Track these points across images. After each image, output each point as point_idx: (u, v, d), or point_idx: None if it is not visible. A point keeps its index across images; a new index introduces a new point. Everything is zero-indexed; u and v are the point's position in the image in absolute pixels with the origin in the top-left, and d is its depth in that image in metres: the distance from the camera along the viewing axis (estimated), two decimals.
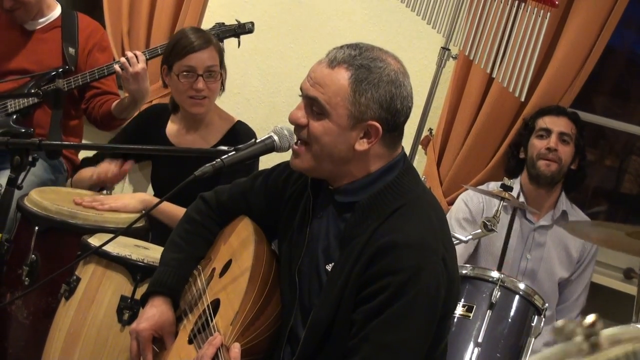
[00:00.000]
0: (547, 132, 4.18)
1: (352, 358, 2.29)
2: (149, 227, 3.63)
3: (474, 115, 4.57)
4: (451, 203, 4.54)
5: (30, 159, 2.85)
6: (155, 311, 2.63)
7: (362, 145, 2.38)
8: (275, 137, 2.61)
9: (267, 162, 3.08)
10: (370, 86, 2.33)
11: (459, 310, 3.44)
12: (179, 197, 2.94)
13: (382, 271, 2.27)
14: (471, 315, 3.44)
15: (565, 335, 0.81)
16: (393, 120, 2.38)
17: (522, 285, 3.51)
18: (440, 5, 4.02)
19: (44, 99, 4.13)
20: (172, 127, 3.99)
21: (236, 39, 4.25)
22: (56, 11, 4.51)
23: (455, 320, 3.41)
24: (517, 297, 3.50)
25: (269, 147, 2.63)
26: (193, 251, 2.80)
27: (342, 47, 2.40)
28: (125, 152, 3.96)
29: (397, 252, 2.28)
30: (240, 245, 2.66)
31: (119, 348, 2.98)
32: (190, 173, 2.50)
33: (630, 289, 4.44)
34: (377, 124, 2.35)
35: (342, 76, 2.34)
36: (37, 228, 3.35)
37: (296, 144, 2.47)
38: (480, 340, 3.35)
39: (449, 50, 4.05)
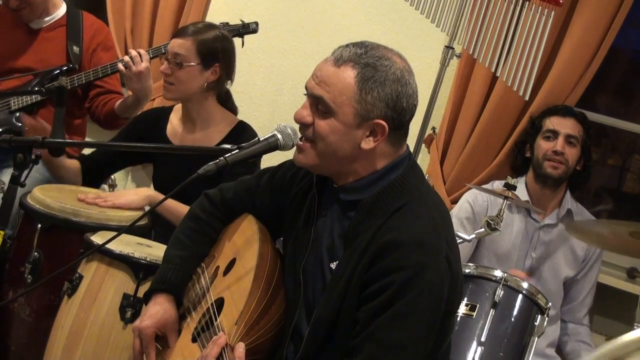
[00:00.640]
0: (554, 133, 4.17)
1: (355, 357, 2.28)
2: (151, 225, 3.62)
3: (477, 114, 4.57)
4: (454, 202, 4.53)
5: (33, 156, 2.84)
6: (159, 309, 2.63)
7: (368, 143, 2.37)
8: (279, 136, 2.60)
9: (270, 160, 3.08)
10: (376, 85, 2.33)
11: (462, 309, 3.43)
12: (182, 196, 2.93)
13: (386, 269, 2.27)
14: (474, 314, 3.43)
15: None
16: (399, 118, 2.38)
17: (525, 285, 3.50)
18: (444, 4, 4.02)
19: (47, 97, 4.13)
20: (172, 128, 3.99)
21: (240, 39, 4.24)
22: (61, 10, 4.51)
23: (459, 319, 3.40)
24: (520, 296, 3.49)
25: (273, 145, 2.61)
26: (197, 249, 2.80)
27: (347, 45, 2.40)
28: (127, 150, 3.96)
29: (400, 250, 2.28)
30: (244, 243, 2.66)
31: (121, 346, 2.98)
32: (191, 173, 2.49)
33: (634, 288, 4.44)
34: (383, 123, 2.35)
35: (348, 75, 2.34)
36: (39, 226, 3.35)
37: (301, 139, 2.46)
38: (483, 339, 3.35)
39: (453, 48, 4.05)
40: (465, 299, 3.46)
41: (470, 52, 4.01)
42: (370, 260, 2.31)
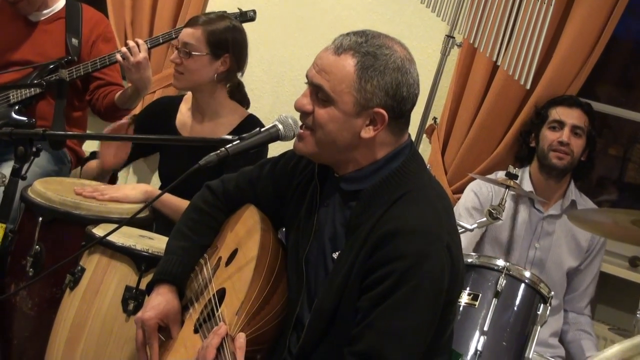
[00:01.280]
0: (560, 124, 4.16)
1: (356, 345, 2.28)
2: (153, 217, 3.62)
3: (478, 103, 4.56)
4: (456, 192, 4.53)
5: (34, 149, 2.84)
6: (161, 300, 2.63)
7: (367, 132, 2.37)
8: (280, 126, 2.60)
9: (272, 152, 3.07)
10: (376, 73, 2.33)
11: (465, 298, 3.43)
12: (184, 188, 2.93)
13: (386, 258, 2.27)
14: (477, 303, 3.43)
15: None
16: (399, 107, 2.37)
17: (527, 274, 3.50)
18: None
19: (47, 90, 4.12)
20: (181, 118, 3.99)
21: None
22: (60, 2, 4.50)
23: (461, 308, 3.40)
24: (522, 285, 3.48)
25: (274, 136, 2.61)
26: (199, 240, 2.79)
27: (348, 34, 2.40)
28: (129, 141, 3.95)
29: (401, 238, 2.27)
30: (246, 234, 2.66)
31: (124, 338, 2.98)
32: None
33: (635, 277, 4.44)
34: (383, 111, 2.35)
35: (348, 63, 2.33)
36: (41, 219, 3.34)
37: (301, 127, 2.46)
38: (486, 328, 3.34)
39: (454, 38, 4.04)
40: (468, 288, 3.45)
41: (471, 42, 4.00)
42: (371, 249, 2.31)
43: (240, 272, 2.53)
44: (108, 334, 2.98)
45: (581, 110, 4.19)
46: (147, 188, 3.70)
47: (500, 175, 4.18)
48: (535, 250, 4.18)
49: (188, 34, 3.81)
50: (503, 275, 3.43)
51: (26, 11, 4.39)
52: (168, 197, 3.61)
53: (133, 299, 3.00)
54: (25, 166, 2.83)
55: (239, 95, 4.00)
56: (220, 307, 2.50)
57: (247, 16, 4.24)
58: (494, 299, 3.41)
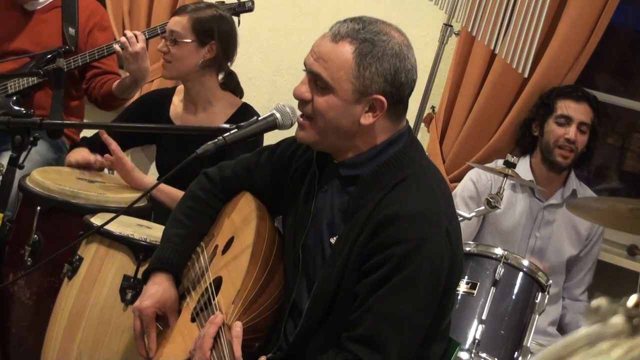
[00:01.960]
0: (568, 119, 4.12)
1: (354, 330, 2.29)
2: (151, 207, 3.62)
3: (476, 92, 4.55)
4: (454, 180, 4.53)
5: (31, 138, 2.83)
6: (158, 288, 2.63)
7: (367, 119, 2.37)
8: (278, 115, 2.61)
9: (270, 140, 3.07)
10: (374, 60, 2.32)
11: (463, 287, 3.43)
12: (182, 178, 2.93)
13: (385, 243, 2.28)
14: (475, 292, 3.43)
15: (600, 316, 0.79)
16: (398, 93, 2.37)
17: (525, 262, 3.50)
18: None
19: (45, 79, 4.12)
20: (175, 110, 3.99)
21: (236, 18, 4.23)
22: None
23: (459, 297, 3.41)
24: (520, 273, 3.49)
25: (271, 124, 2.62)
26: (195, 227, 2.80)
27: (345, 21, 2.39)
28: (127, 130, 3.95)
29: (400, 223, 2.28)
30: (242, 222, 2.66)
31: (122, 327, 2.98)
32: None
33: (634, 265, 4.44)
34: (382, 98, 2.35)
35: (346, 50, 2.33)
36: (39, 208, 3.35)
37: (301, 117, 2.46)
38: (484, 317, 3.35)
39: (451, 26, 4.04)
40: (466, 277, 3.46)
41: (469, 30, 3.99)
42: (370, 233, 2.31)
43: (237, 261, 2.54)
44: (106, 323, 2.99)
45: (588, 105, 4.16)
46: (149, 181, 3.72)
47: (500, 163, 4.17)
48: (535, 240, 4.18)
49: (175, 22, 3.83)
50: (501, 264, 3.43)
51: (22, 0, 4.38)
52: (165, 187, 3.61)
53: (131, 288, 3.01)
54: (23, 155, 2.83)
55: (232, 85, 4.01)
56: (216, 296, 2.50)
57: (245, 7, 4.24)
58: (492, 287, 3.41)
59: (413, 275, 2.25)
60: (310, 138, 2.45)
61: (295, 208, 2.61)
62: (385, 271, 2.26)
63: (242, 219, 2.67)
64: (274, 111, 2.62)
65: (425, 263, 2.26)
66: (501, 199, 3.68)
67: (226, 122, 3.79)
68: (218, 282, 2.56)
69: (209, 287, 2.55)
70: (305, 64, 2.42)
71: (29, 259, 3.32)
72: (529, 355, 3.40)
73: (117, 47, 4.08)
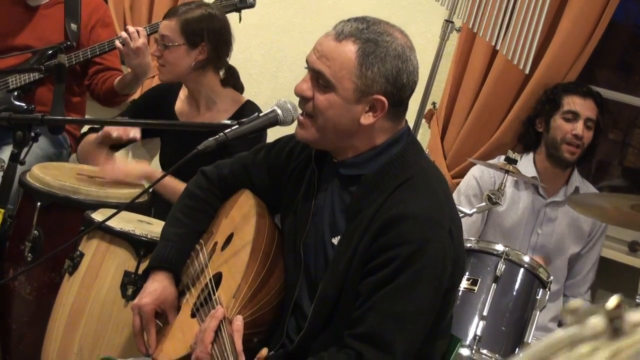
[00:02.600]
0: (575, 115, 4.11)
1: (357, 328, 2.29)
2: (151, 202, 3.62)
3: (477, 88, 4.55)
4: (455, 177, 4.53)
5: (32, 134, 2.83)
6: (158, 286, 2.63)
7: (367, 119, 2.37)
8: (279, 111, 2.60)
9: (271, 137, 3.07)
10: (377, 60, 2.32)
11: (464, 283, 3.43)
12: (184, 174, 2.94)
13: (390, 243, 2.28)
14: (476, 288, 3.43)
15: (578, 318, 0.78)
16: (399, 94, 2.37)
17: (526, 259, 3.50)
18: None
19: (46, 74, 4.12)
20: (180, 105, 3.99)
21: (237, 14, 4.22)
22: None
23: (460, 293, 3.41)
24: (521, 270, 3.49)
25: (272, 120, 2.61)
26: (194, 226, 2.79)
27: (349, 20, 2.39)
28: (128, 126, 3.95)
29: (404, 224, 2.28)
30: (241, 218, 2.66)
31: (122, 323, 2.99)
32: None
33: (635, 261, 4.44)
34: (383, 98, 2.34)
35: (349, 49, 2.33)
36: (39, 204, 3.35)
37: (301, 114, 2.46)
38: (485, 313, 3.35)
39: (453, 23, 4.04)
40: (467, 273, 3.46)
41: (470, 26, 3.99)
42: (375, 234, 2.31)
43: (237, 256, 2.54)
44: (107, 318, 2.99)
45: (594, 101, 4.15)
46: (147, 168, 3.71)
47: (502, 160, 4.17)
48: (537, 236, 4.17)
49: (164, 26, 3.81)
50: (502, 260, 3.43)
51: None
52: (170, 181, 3.60)
53: (132, 284, 3.01)
54: (24, 151, 2.83)
55: (232, 80, 4.00)
56: (217, 291, 2.50)
57: (247, 3, 4.23)
58: (493, 283, 3.41)
59: (417, 275, 2.26)
60: (310, 136, 2.44)
61: (294, 206, 2.61)
62: (389, 271, 2.26)
63: (242, 215, 2.67)
64: (275, 107, 2.62)
65: (429, 263, 2.27)
66: (502, 195, 3.68)
67: (229, 120, 3.79)
68: (218, 278, 2.56)
69: (209, 282, 2.55)
70: (307, 62, 2.42)
71: (29, 254, 3.33)
72: None
73: (118, 43, 4.08)
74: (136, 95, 4.59)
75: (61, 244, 2.83)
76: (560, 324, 4.26)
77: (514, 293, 3.47)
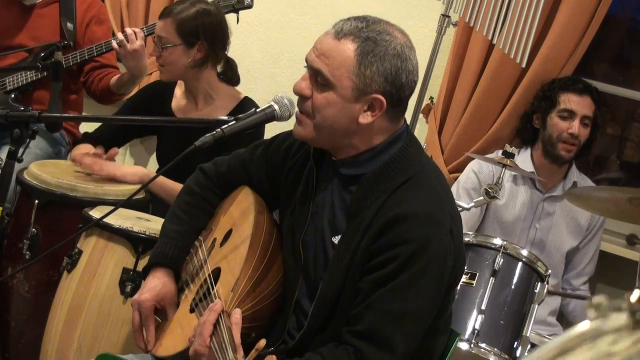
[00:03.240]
0: (571, 114, 4.11)
1: (356, 325, 2.29)
2: (150, 199, 3.62)
3: (474, 82, 4.55)
4: (452, 171, 4.53)
5: (29, 132, 2.84)
6: (157, 282, 2.63)
7: (365, 118, 2.37)
8: (276, 107, 2.61)
9: (269, 133, 3.07)
10: (376, 59, 2.32)
11: (462, 277, 3.43)
12: (182, 171, 2.94)
13: (391, 242, 2.28)
14: (474, 282, 3.44)
15: (602, 312, 0.79)
16: (397, 94, 2.37)
17: (524, 252, 3.50)
18: None
19: (43, 72, 4.12)
20: (177, 102, 3.99)
21: (235, 14, 4.22)
22: None
23: (459, 287, 3.39)
24: (519, 264, 3.49)
25: (269, 116, 2.62)
26: (193, 223, 2.79)
27: (349, 19, 2.39)
28: (124, 123, 3.95)
29: (406, 224, 2.28)
30: (240, 215, 2.66)
31: (121, 320, 2.99)
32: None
33: (633, 255, 4.44)
34: (382, 98, 2.34)
35: (348, 48, 2.33)
36: (37, 201, 3.36)
37: (300, 111, 2.46)
38: (483, 307, 3.35)
39: (449, 17, 4.04)
40: (465, 267, 3.46)
41: (467, 21, 3.99)
42: (376, 234, 2.31)
43: (235, 251, 2.54)
44: (105, 316, 3.00)
45: (591, 98, 4.15)
46: (144, 171, 3.71)
47: (500, 154, 4.17)
48: (535, 231, 4.18)
49: (160, 28, 3.81)
50: (500, 254, 3.44)
51: None
52: (163, 180, 3.61)
53: (130, 281, 3.01)
54: (22, 149, 2.83)
55: (231, 73, 4.00)
56: (215, 285, 2.51)
57: (244, 3, 4.23)
58: (492, 277, 3.42)
59: (418, 274, 2.26)
60: (308, 134, 2.44)
61: (293, 203, 2.61)
62: (391, 269, 2.26)
63: (241, 211, 2.67)
64: (272, 103, 2.62)
65: (430, 263, 2.27)
66: (500, 189, 3.68)
67: (227, 116, 3.79)
68: (217, 273, 2.57)
69: (207, 278, 2.56)
70: (306, 60, 2.42)
71: (28, 252, 3.33)
72: (529, 345, 3.41)
73: (115, 44, 4.08)
74: (132, 94, 4.58)
75: (59, 242, 2.83)
76: (560, 318, 4.27)
77: (512, 287, 3.47)
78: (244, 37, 5.17)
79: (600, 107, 4.22)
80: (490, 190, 3.66)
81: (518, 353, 3.38)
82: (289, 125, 2.58)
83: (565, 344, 0.78)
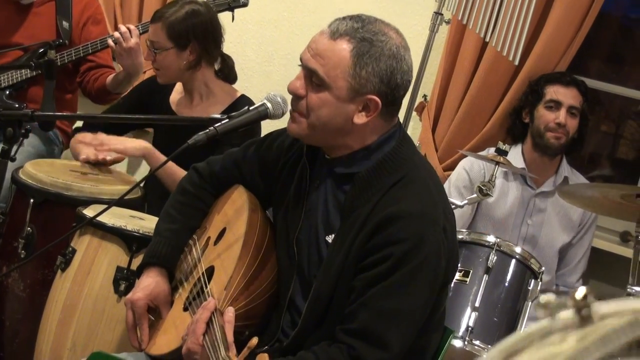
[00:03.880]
0: (557, 104, 4.12)
1: (350, 324, 2.30)
2: (144, 198, 3.62)
3: (468, 80, 4.55)
4: (447, 169, 4.53)
5: (23, 130, 2.83)
6: (151, 281, 2.64)
7: (360, 118, 2.37)
8: (269, 105, 2.61)
9: (264, 131, 3.07)
10: (371, 60, 2.32)
11: (456, 275, 3.44)
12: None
13: (385, 241, 2.28)
14: (468, 280, 3.45)
15: (550, 311, 0.80)
16: (392, 94, 2.37)
17: (518, 249, 3.52)
18: None
19: (36, 70, 4.12)
20: (175, 97, 3.99)
21: (230, 13, 4.22)
22: None
23: (452, 285, 3.42)
24: (513, 261, 3.50)
25: (262, 114, 2.62)
26: (187, 222, 2.79)
27: (344, 18, 2.38)
28: (118, 121, 3.95)
29: (400, 223, 2.29)
30: (234, 213, 2.67)
31: (115, 319, 2.99)
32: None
33: (626, 251, 4.45)
34: (377, 98, 2.34)
35: (344, 48, 2.33)
36: (32, 200, 3.35)
37: (294, 110, 2.46)
38: (477, 304, 3.36)
39: (442, 15, 4.04)
40: (459, 264, 3.46)
41: (459, 18, 4.00)
42: (370, 233, 2.32)
43: (229, 250, 2.55)
44: (99, 314, 3.00)
45: (577, 90, 4.17)
46: (146, 145, 3.71)
47: (493, 151, 4.18)
48: (527, 227, 4.18)
49: (151, 32, 3.80)
50: (494, 251, 3.45)
51: None
52: (172, 167, 3.59)
53: (124, 280, 3.01)
54: (14, 147, 2.83)
55: (228, 70, 4.00)
56: (209, 284, 2.51)
57: (239, 2, 4.22)
58: (485, 275, 3.43)
59: (412, 272, 2.27)
60: (302, 131, 2.44)
61: (286, 201, 2.61)
62: (384, 268, 2.27)
63: (234, 210, 2.68)
64: (265, 101, 2.62)
65: (424, 261, 2.28)
66: (493, 187, 3.69)
67: (222, 113, 3.79)
68: (210, 272, 2.57)
69: (201, 276, 2.56)
70: (301, 60, 2.41)
71: (23, 251, 3.33)
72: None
73: (110, 42, 4.09)
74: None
75: (54, 241, 2.83)
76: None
77: (506, 284, 3.48)
78: (238, 36, 5.18)
79: (589, 100, 4.23)
80: (483, 187, 3.67)
81: None
82: (283, 123, 2.58)
83: (516, 344, 0.80)
